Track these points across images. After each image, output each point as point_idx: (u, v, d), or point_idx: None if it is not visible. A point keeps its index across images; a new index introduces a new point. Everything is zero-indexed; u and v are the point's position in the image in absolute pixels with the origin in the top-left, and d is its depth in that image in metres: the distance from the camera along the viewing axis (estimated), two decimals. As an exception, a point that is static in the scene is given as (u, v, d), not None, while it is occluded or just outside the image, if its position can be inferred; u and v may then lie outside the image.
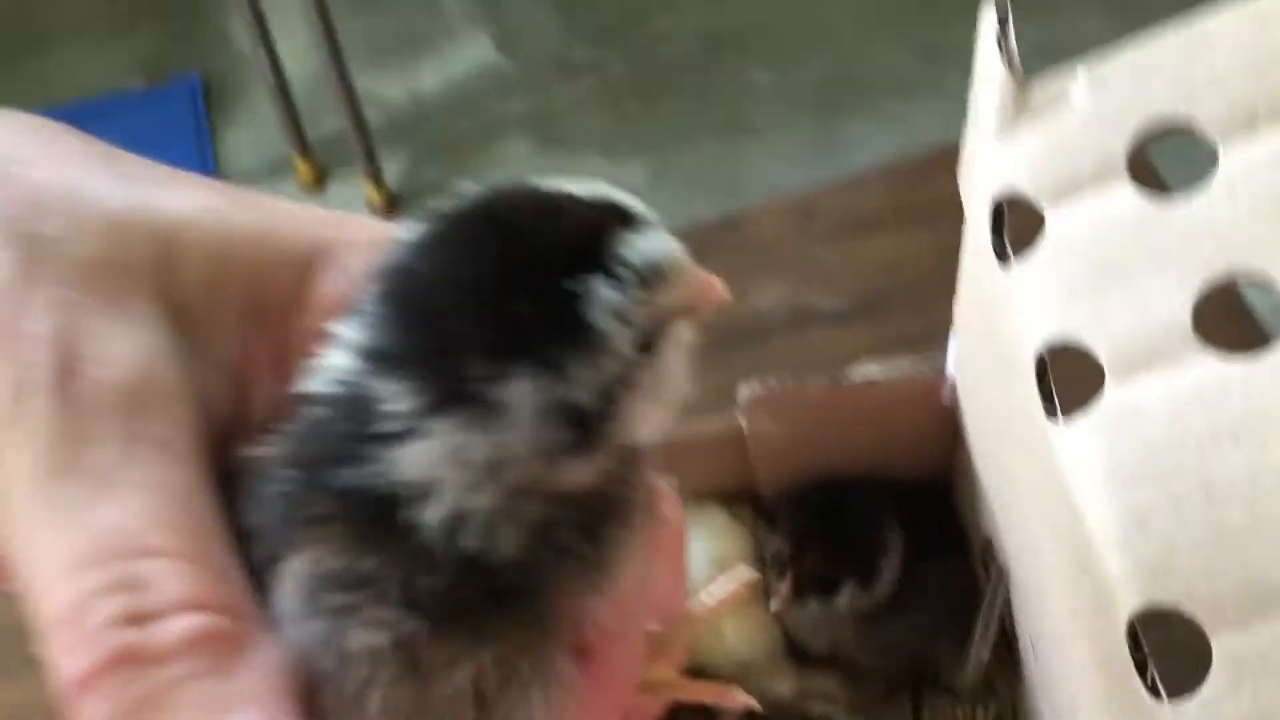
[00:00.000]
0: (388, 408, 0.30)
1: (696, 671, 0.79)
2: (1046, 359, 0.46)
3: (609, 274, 0.31)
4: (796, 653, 0.84)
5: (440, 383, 0.30)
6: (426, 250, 0.32)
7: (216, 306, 0.34)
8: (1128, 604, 0.42)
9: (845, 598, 0.80)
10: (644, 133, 2.32)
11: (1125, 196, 0.44)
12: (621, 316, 0.31)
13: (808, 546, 0.77)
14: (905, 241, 1.04)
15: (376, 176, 2.29)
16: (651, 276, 0.32)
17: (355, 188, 2.33)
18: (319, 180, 2.37)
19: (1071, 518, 0.44)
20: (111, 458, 0.30)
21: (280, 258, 0.36)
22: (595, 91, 2.39)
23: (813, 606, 0.81)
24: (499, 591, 0.31)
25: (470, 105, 2.42)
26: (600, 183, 0.33)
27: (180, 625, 0.29)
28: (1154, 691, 0.42)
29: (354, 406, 0.31)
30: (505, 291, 0.30)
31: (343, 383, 0.31)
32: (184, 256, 0.33)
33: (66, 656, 0.29)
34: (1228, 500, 0.40)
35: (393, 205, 2.31)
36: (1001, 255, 0.49)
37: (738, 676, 0.81)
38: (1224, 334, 0.42)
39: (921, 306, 0.74)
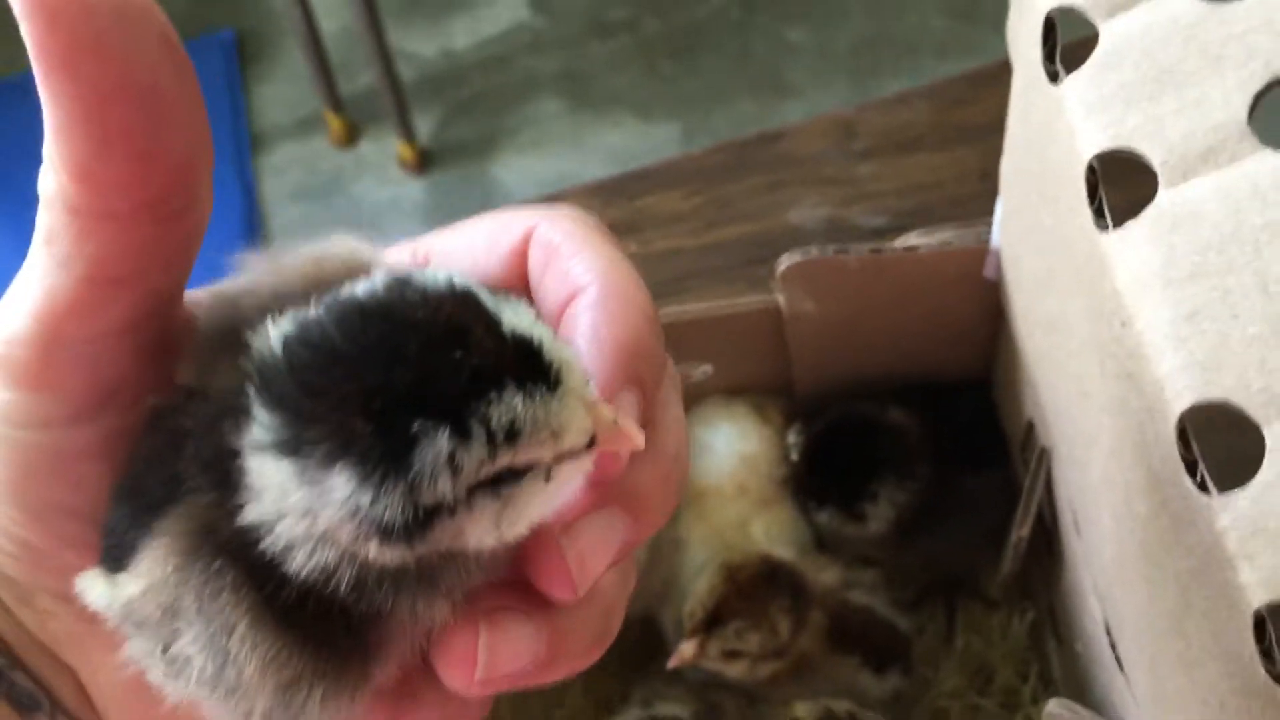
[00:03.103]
0: (256, 430, 0.33)
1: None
2: (1098, 171, 0.45)
3: (458, 427, 0.32)
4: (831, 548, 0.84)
5: (291, 430, 0.32)
6: (347, 318, 0.33)
7: None
8: (1178, 403, 0.41)
9: (833, 522, 0.81)
10: (678, 92, 2.32)
11: (1178, 1, 0.44)
12: (454, 466, 0.32)
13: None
14: (947, 159, 1.03)
15: (408, 133, 2.29)
16: (509, 438, 0.32)
17: (387, 145, 2.34)
18: (351, 137, 2.38)
19: (1121, 329, 0.44)
20: None
21: None
22: (629, 50, 2.39)
23: (833, 523, 0.82)
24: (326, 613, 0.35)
25: (503, 63, 2.42)
26: (536, 322, 0.34)
27: None
28: (1203, 489, 0.41)
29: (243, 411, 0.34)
30: (364, 397, 0.31)
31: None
32: None
33: None
34: (1284, 293, 0.39)
35: (423, 162, 2.32)
36: (1053, 77, 0.48)
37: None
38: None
39: (963, 222, 0.73)
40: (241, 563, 0.34)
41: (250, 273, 0.39)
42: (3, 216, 2.20)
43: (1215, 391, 0.40)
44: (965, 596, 0.87)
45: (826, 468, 0.79)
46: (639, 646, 0.86)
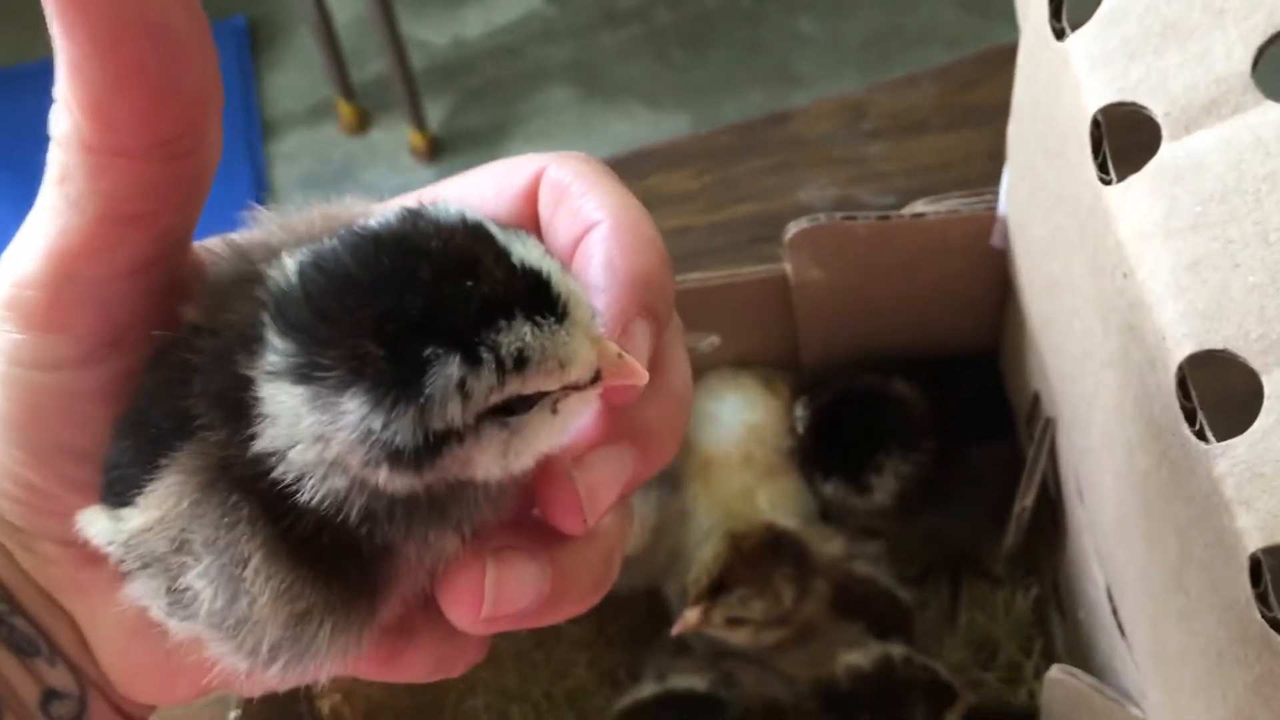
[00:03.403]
0: (271, 356, 0.34)
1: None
2: (1102, 126, 0.46)
3: (469, 354, 0.32)
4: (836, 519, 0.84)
5: (305, 355, 0.33)
6: (361, 247, 0.34)
7: None
8: (1179, 351, 0.41)
9: (838, 493, 0.81)
10: (689, 82, 2.32)
11: (1186, -43, 0.44)
12: (464, 392, 0.32)
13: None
14: (956, 140, 1.04)
15: (419, 121, 2.30)
16: (517, 366, 0.33)
17: (398, 132, 2.35)
18: (361, 124, 2.38)
19: (1123, 280, 0.44)
20: None
21: None
22: (640, 40, 2.40)
23: (838, 494, 0.82)
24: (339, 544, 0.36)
25: (514, 52, 2.43)
26: (545, 256, 0.35)
27: None
28: (1201, 437, 0.41)
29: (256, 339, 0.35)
30: (378, 322, 0.32)
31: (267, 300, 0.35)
32: None
33: None
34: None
35: (434, 150, 2.32)
36: (1059, 34, 0.48)
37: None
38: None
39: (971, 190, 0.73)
40: (256, 496, 0.35)
41: (261, 227, 0.40)
42: (10, 202, 2.21)
43: (1215, 340, 0.40)
44: (969, 573, 0.88)
45: (832, 439, 0.80)
46: (644, 621, 0.87)
